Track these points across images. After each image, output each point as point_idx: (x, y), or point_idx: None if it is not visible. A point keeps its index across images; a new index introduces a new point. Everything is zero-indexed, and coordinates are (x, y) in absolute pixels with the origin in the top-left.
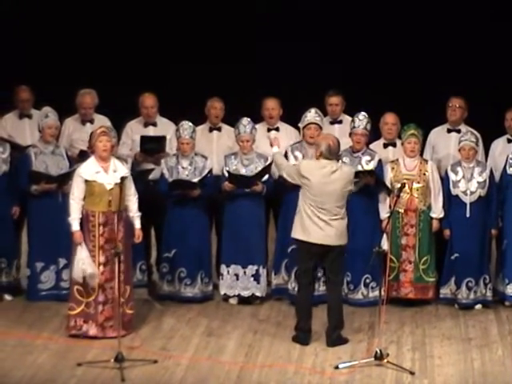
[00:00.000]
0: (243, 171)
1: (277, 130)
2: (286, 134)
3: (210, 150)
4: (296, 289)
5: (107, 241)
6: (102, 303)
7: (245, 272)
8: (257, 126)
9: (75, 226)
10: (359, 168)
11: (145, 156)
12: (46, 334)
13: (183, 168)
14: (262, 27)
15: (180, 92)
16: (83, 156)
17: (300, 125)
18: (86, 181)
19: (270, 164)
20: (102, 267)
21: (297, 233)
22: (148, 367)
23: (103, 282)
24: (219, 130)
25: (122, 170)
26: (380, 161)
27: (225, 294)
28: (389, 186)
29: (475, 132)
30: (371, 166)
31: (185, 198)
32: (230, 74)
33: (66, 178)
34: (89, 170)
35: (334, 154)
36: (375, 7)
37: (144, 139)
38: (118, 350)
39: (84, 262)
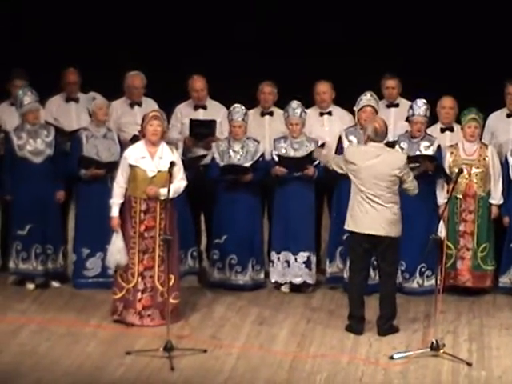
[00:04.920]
0: (293, 155)
1: (329, 113)
2: (340, 118)
3: (262, 134)
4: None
5: (147, 228)
6: (141, 291)
7: (296, 259)
8: (309, 110)
9: (114, 211)
10: (418, 153)
11: (194, 140)
12: (94, 321)
13: (235, 152)
14: (318, 7)
15: (233, 75)
16: (135, 141)
17: (355, 108)
18: (130, 165)
19: (322, 145)
20: (141, 255)
21: (347, 224)
22: (198, 356)
23: (142, 270)
24: (271, 114)
25: (170, 156)
26: (439, 146)
27: (276, 282)
28: (448, 173)
29: None
30: (430, 152)
31: (236, 183)
32: (284, 56)
33: (116, 166)
34: (135, 153)
35: (380, 135)
36: None
37: (194, 123)
38: (167, 339)
39: (119, 253)
